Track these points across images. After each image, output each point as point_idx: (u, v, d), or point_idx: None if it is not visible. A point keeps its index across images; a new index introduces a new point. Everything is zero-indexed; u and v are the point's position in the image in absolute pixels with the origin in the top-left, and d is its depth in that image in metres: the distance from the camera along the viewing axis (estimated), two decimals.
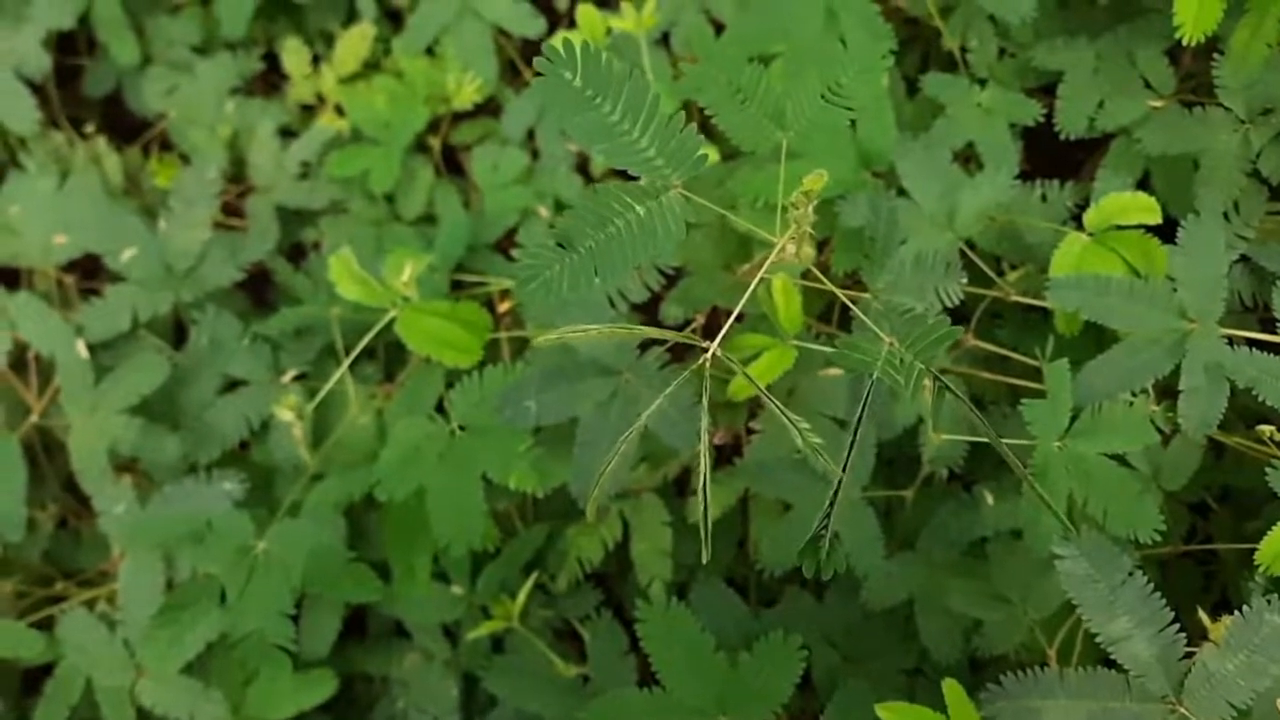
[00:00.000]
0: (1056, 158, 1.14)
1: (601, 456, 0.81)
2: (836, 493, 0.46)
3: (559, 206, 1.21)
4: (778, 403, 0.45)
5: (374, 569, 0.98)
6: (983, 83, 1.11)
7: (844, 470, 0.48)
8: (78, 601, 1.03)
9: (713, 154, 1.07)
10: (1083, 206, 1.02)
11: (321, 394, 0.92)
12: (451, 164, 1.29)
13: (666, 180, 0.61)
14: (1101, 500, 0.82)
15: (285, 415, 0.90)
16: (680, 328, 1.12)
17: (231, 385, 1.06)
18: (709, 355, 0.47)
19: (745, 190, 1.05)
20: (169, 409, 1.02)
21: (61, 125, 1.26)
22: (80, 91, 1.31)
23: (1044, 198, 1.05)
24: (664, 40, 1.26)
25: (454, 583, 1.02)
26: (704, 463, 0.44)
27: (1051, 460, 0.83)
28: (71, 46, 1.32)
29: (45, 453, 1.13)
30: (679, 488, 1.12)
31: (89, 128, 1.27)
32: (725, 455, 1.08)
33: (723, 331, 0.49)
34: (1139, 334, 0.87)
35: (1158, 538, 0.81)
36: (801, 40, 0.99)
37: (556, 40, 1.15)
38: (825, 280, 0.69)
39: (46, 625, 1.01)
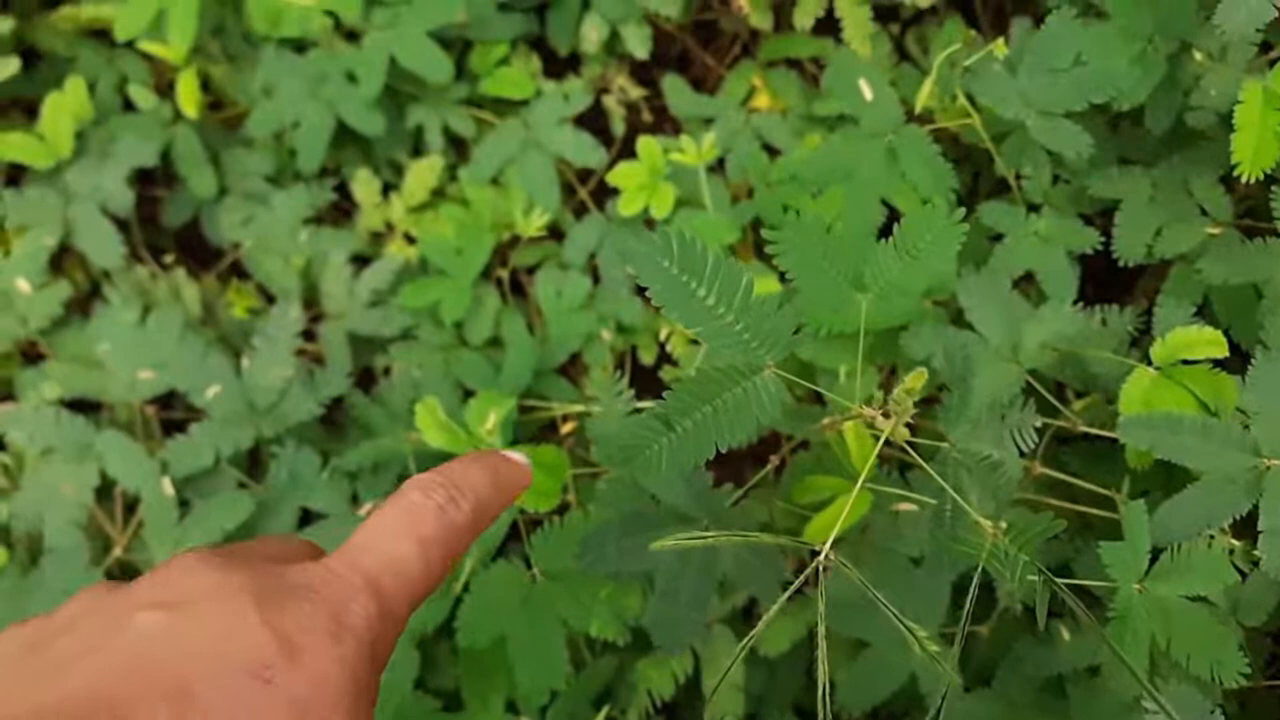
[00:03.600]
0: (1109, 277, 1.16)
1: (681, 607, 0.82)
2: (944, 700, 0.46)
3: (620, 329, 1.24)
4: (894, 610, 0.46)
5: (442, 697, 0.99)
6: (1037, 209, 1.13)
7: (952, 669, 0.49)
8: None
9: (773, 285, 1.09)
10: (1143, 330, 1.03)
11: None
12: (513, 282, 1.33)
13: (760, 360, 0.63)
14: (1184, 643, 0.82)
15: None
16: (747, 454, 1.13)
17: (308, 517, 1.08)
18: (821, 558, 0.48)
19: (809, 319, 1.07)
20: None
21: (143, 258, 1.30)
22: (159, 222, 1.36)
23: (1104, 322, 1.07)
24: (719, 165, 1.29)
25: (523, 714, 1.03)
26: (823, 696, 0.45)
27: (1133, 604, 0.83)
28: (150, 178, 1.38)
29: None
30: (746, 615, 1.12)
31: (168, 257, 1.32)
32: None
33: (832, 535, 0.50)
34: (1214, 473, 0.87)
35: (1243, 681, 0.81)
36: (865, 180, 1.02)
37: (625, 192, 1.18)
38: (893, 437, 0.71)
39: None
